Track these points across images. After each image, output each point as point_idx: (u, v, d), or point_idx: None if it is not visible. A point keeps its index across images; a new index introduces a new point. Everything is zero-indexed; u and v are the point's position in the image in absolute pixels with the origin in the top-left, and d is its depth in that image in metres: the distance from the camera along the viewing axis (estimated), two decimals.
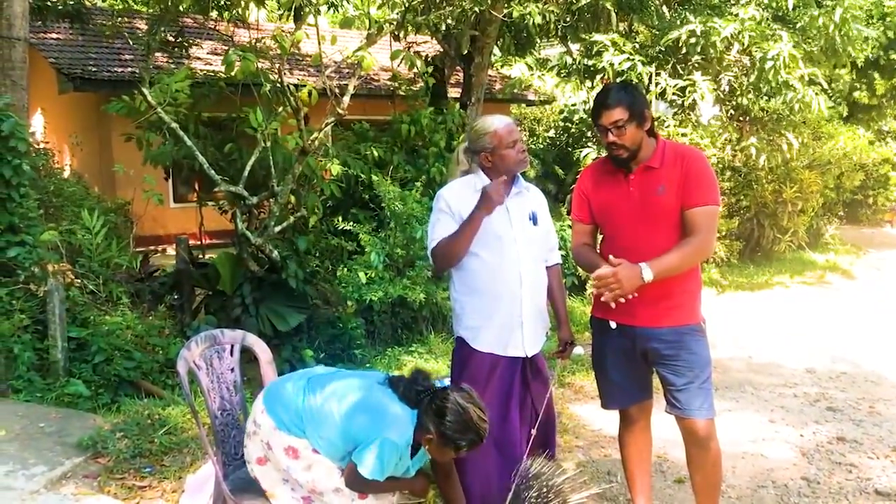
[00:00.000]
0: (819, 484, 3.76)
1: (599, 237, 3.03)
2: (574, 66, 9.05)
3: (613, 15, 8.41)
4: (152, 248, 9.12)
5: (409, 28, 7.64)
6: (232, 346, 2.96)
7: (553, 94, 11.17)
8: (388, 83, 9.81)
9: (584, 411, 4.72)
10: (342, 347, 5.71)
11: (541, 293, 3.04)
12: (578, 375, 5.36)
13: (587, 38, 8.58)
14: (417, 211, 5.87)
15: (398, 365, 5.32)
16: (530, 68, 8.79)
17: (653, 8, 9.02)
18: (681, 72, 8.70)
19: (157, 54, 8.11)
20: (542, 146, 10.79)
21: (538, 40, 10.25)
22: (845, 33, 8.28)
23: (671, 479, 3.79)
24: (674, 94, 8.72)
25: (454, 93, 8.79)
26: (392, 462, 2.41)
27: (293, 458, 2.50)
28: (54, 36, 11.28)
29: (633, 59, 7.93)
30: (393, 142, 7.10)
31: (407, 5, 7.32)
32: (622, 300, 2.55)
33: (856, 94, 14.16)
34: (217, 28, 10.42)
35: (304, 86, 5.40)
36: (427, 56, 8.47)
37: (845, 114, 13.99)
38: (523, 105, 14.50)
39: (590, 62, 8.64)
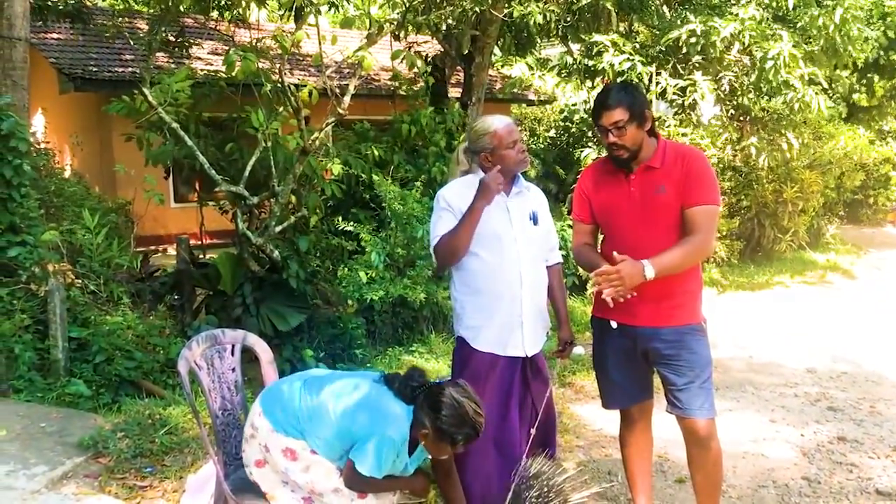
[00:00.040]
0: (820, 484, 3.76)
1: (600, 237, 3.03)
2: (574, 67, 9.04)
3: (614, 15, 8.41)
4: (153, 247, 9.12)
5: (410, 28, 7.64)
6: (233, 346, 2.97)
7: (553, 94, 11.17)
8: (389, 83, 9.81)
9: (584, 411, 4.73)
10: (343, 347, 5.71)
11: (541, 293, 3.04)
12: (579, 375, 5.36)
13: (587, 38, 8.58)
14: (418, 211, 5.87)
15: (399, 365, 5.32)
16: (531, 68, 8.78)
17: (653, 8, 9.02)
18: (681, 71, 8.69)
19: (158, 54, 8.12)
20: (542, 146, 10.78)
21: (539, 40, 10.24)
22: (845, 33, 8.28)
23: (672, 479, 3.79)
24: (674, 93, 8.72)
25: (455, 93, 8.78)
26: (389, 459, 2.42)
27: (291, 460, 2.50)
28: (55, 36, 11.29)
29: (633, 60, 7.93)
30: (393, 142, 7.10)
31: (407, 5, 7.33)
32: (621, 299, 2.54)
33: (855, 95, 14.15)
34: (218, 28, 10.43)
35: (305, 86, 5.40)
36: (427, 56, 8.47)
37: (845, 114, 13.98)
38: (524, 105, 14.50)
39: (590, 62, 8.64)
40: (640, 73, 7.94)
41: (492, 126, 2.96)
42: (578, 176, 3.32)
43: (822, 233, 12.04)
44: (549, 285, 3.10)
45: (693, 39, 7.88)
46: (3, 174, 4.68)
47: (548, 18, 8.06)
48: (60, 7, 8.94)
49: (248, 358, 3.05)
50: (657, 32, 8.62)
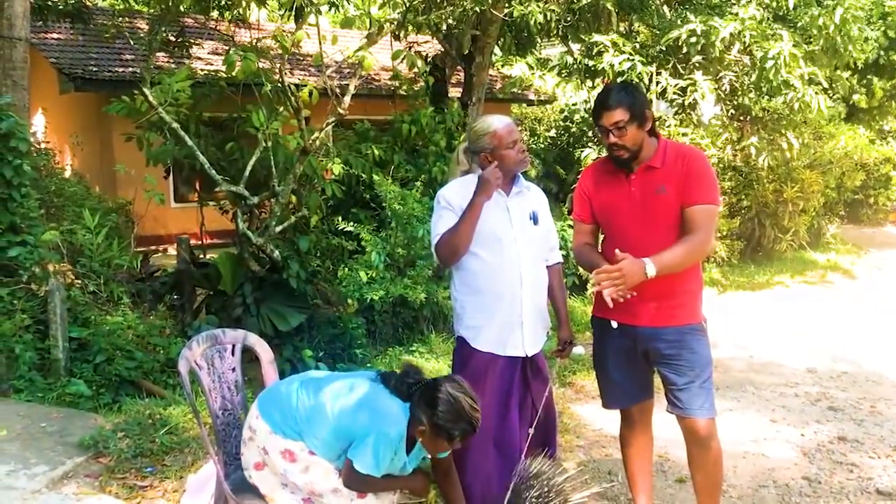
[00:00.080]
0: (820, 483, 3.76)
1: (601, 237, 3.03)
2: (575, 67, 9.04)
3: (614, 15, 8.41)
4: (153, 247, 9.12)
5: (410, 28, 7.64)
6: (233, 346, 2.97)
7: (554, 94, 11.16)
8: (389, 83, 9.81)
9: (585, 411, 4.73)
10: (343, 347, 5.71)
11: (541, 293, 3.05)
12: (579, 375, 5.36)
13: (587, 38, 8.58)
14: (418, 210, 5.87)
15: (399, 365, 5.32)
16: (531, 68, 8.78)
17: (653, 7, 9.02)
18: (681, 71, 8.69)
19: (158, 54, 8.11)
20: (543, 146, 10.77)
21: (539, 40, 10.24)
22: (846, 33, 8.28)
23: (672, 479, 3.79)
24: (674, 93, 8.72)
25: (455, 92, 8.79)
26: (387, 456, 2.42)
27: (290, 462, 2.50)
28: (55, 36, 11.29)
29: (633, 60, 7.93)
30: (393, 141, 7.11)
31: (408, 5, 7.32)
32: (621, 299, 2.54)
33: (855, 97, 14.14)
34: (218, 28, 10.43)
35: (305, 86, 5.40)
36: (428, 56, 8.47)
37: (844, 114, 13.96)
38: (524, 105, 14.50)
39: (590, 62, 8.64)
40: (640, 73, 7.94)
41: (492, 126, 2.96)
42: (579, 176, 3.32)
43: (823, 233, 12.03)
44: (550, 285, 3.10)
45: (693, 39, 7.88)
46: (3, 174, 4.68)
47: (548, 18, 8.06)
48: (61, 7, 8.94)
49: (249, 358, 3.06)
50: (657, 32, 8.62)
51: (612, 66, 7.89)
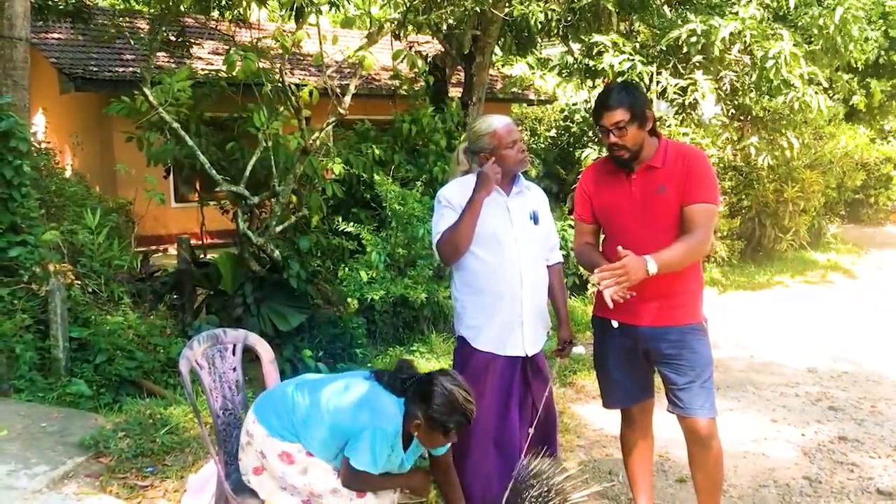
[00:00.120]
0: (821, 483, 3.76)
1: (602, 237, 3.03)
2: (575, 66, 9.03)
3: (614, 15, 8.41)
4: (153, 247, 9.12)
5: (411, 28, 7.63)
6: (234, 346, 2.97)
7: (554, 93, 11.16)
8: (390, 83, 9.81)
9: (585, 411, 4.73)
10: (343, 347, 5.72)
11: (541, 293, 3.05)
12: (580, 375, 5.36)
13: (587, 38, 8.58)
14: (418, 210, 5.87)
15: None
16: (531, 68, 8.78)
17: (654, 7, 9.01)
18: (682, 71, 8.69)
19: (159, 54, 8.11)
20: (543, 146, 10.77)
21: (539, 40, 10.24)
22: (846, 33, 8.27)
23: (673, 479, 3.79)
24: (675, 93, 8.72)
25: (455, 92, 8.79)
26: (384, 452, 2.42)
27: (288, 464, 2.51)
28: (56, 36, 11.29)
29: (633, 60, 7.93)
30: (394, 141, 7.11)
31: (408, 5, 7.32)
32: (620, 300, 2.53)
33: (855, 98, 14.14)
34: (218, 28, 10.42)
35: (306, 85, 5.41)
36: (428, 56, 8.47)
37: (843, 114, 13.96)
38: (524, 104, 14.51)
39: (591, 62, 8.64)
40: (640, 73, 7.94)
41: (491, 126, 2.97)
42: (579, 176, 3.32)
43: (823, 232, 12.02)
44: (550, 285, 3.10)
45: (693, 39, 7.88)
46: (3, 174, 4.68)
47: (549, 17, 8.05)
48: (61, 7, 8.94)
49: (250, 357, 3.06)
50: (658, 32, 8.62)
51: (611, 66, 7.89)
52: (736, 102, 9.25)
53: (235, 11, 8.19)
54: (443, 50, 8.60)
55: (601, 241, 3.02)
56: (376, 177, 6.15)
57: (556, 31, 9.32)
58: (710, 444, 2.85)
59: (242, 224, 5.54)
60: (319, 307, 5.99)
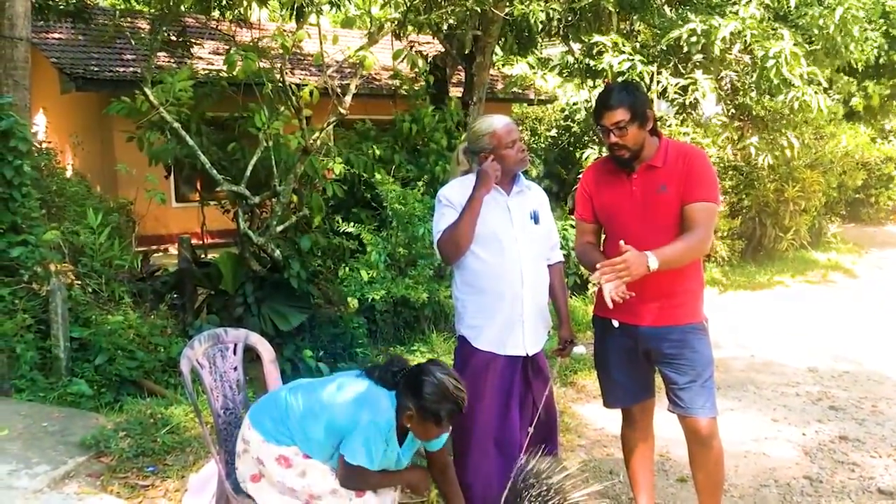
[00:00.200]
0: (822, 483, 3.76)
1: (603, 236, 3.03)
2: (576, 66, 9.03)
3: (614, 15, 8.41)
4: (154, 247, 9.13)
5: (411, 27, 7.64)
6: (235, 345, 2.97)
7: (555, 93, 11.15)
8: (390, 83, 9.81)
9: (586, 410, 4.73)
10: (344, 346, 5.72)
11: (542, 292, 3.05)
12: (581, 375, 5.36)
13: (588, 38, 8.58)
14: (419, 210, 5.87)
15: None
16: (532, 67, 8.78)
17: (654, 7, 9.02)
18: (682, 70, 8.69)
19: (159, 54, 8.12)
20: (544, 146, 10.77)
21: (540, 40, 10.25)
22: (846, 33, 8.27)
23: (674, 478, 3.79)
24: (675, 92, 8.72)
25: (456, 92, 8.79)
26: (379, 447, 2.42)
27: (286, 467, 2.51)
28: (56, 36, 11.30)
29: (632, 60, 7.93)
30: (394, 141, 7.11)
31: (408, 5, 7.32)
32: (620, 299, 2.53)
33: (854, 100, 14.13)
34: (219, 28, 10.43)
35: (306, 85, 5.41)
36: (428, 56, 8.47)
37: (843, 114, 13.95)
38: (525, 104, 14.51)
39: (591, 62, 8.64)
40: (640, 73, 7.94)
41: (491, 126, 2.97)
42: (579, 176, 3.33)
43: (824, 232, 12.02)
44: (551, 284, 3.10)
45: (694, 39, 7.88)
46: (3, 174, 4.68)
47: (549, 17, 8.06)
48: (62, 7, 8.94)
49: (250, 357, 3.06)
50: (658, 32, 8.62)
51: (611, 66, 7.90)
52: (736, 102, 9.25)
53: (236, 11, 8.19)
54: (443, 50, 8.60)
55: (602, 241, 3.02)
56: (377, 175, 6.15)
57: (556, 31, 9.33)
58: (711, 444, 2.85)
59: (243, 224, 5.54)
60: (320, 307, 5.99)
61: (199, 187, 7.17)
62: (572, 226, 6.60)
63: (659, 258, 2.54)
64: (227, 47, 7.70)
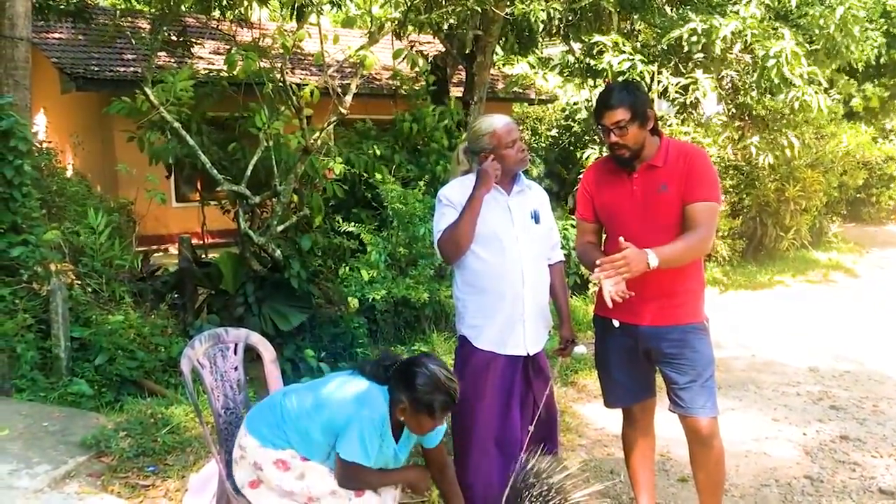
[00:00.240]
0: (822, 482, 3.76)
1: (604, 236, 3.03)
2: (576, 66, 9.03)
3: (615, 14, 8.41)
4: (155, 247, 9.13)
5: (412, 27, 7.64)
6: (236, 345, 2.97)
7: (555, 93, 11.14)
8: (390, 82, 9.81)
9: (587, 410, 4.72)
10: (344, 346, 5.71)
11: (543, 292, 3.05)
12: (581, 374, 5.36)
13: (588, 38, 8.58)
14: (419, 210, 5.87)
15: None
16: (532, 67, 8.78)
17: (654, 7, 9.02)
18: (683, 70, 8.69)
19: (160, 54, 8.12)
20: (544, 145, 10.77)
21: (541, 39, 10.25)
22: (846, 33, 8.27)
23: (674, 478, 3.79)
24: (676, 92, 8.72)
25: (456, 92, 8.79)
26: (374, 442, 2.42)
27: (284, 471, 2.51)
28: (57, 35, 11.30)
29: (632, 59, 7.93)
30: (395, 141, 7.10)
31: (409, 4, 7.32)
32: (619, 299, 2.53)
33: (854, 100, 14.12)
34: (219, 27, 10.43)
35: (307, 85, 5.41)
36: (429, 55, 8.47)
37: (843, 113, 13.94)
38: (525, 104, 14.50)
39: (592, 62, 8.64)
40: (641, 73, 7.94)
41: (491, 126, 2.97)
42: (580, 175, 3.32)
43: (825, 231, 12.01)
44: (551, 284, 3.10)
45: (694, 38, 7.88)
46: (4, 174, 4.68)
47: (550, 17, 8.06)
48: (62, 7, 8.94)
49: (251, 357, 3.06)
50: (659, 31, 8.62)
51: (611, 65, 7.90)
52: (737, 101, 9.25)
53: (236, 11, 8.20)
54: (444, 49, 8.60)
55: (603, 241, 3.02)
56: (378, 175, 6.14)
57: (557, 31, 9.33)
58: (712, 444, 2.85)
59: (244, 223, 5.54)
60: (320, 307, 5.99)
61: (199, 187, 7.17)
62: (573, 225, 6.60)
63: (659, 256, 2.54)
64: (227, 47, 7.71)
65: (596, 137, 9.03)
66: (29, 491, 3.29)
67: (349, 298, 5.60)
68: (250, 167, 5.53)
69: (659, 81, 8.55)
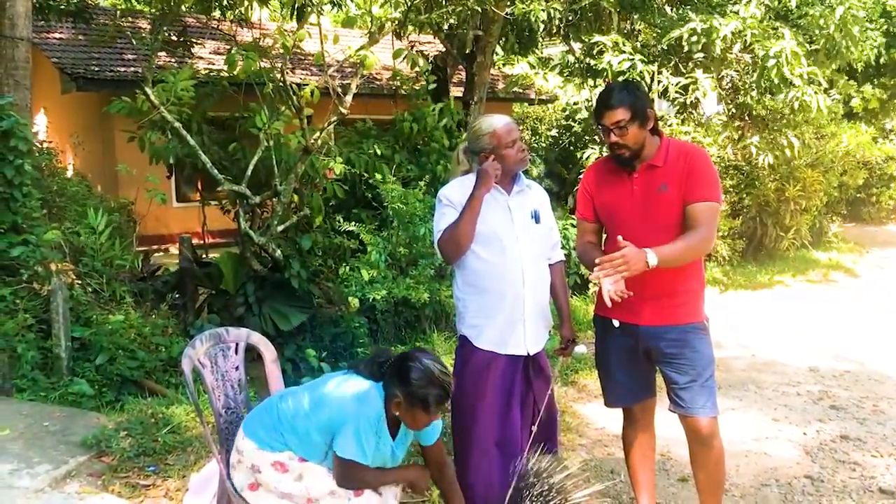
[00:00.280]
0: (823, 482, 3.76)
1: (605, 236, 3.03)
2: (576, 66, 9.04)
3: (615, 14, 8.41)
4: (155, 247, 9.13)
5: (412, 27, 7.64)
6: (237, 345, 2.97)
7: (555, 93, 11.13)
8: (391, 82, 9.81)
9: (587, 410, 4.73)
10: (345, 346, 5.72)
11: (543, 291, 3.05)
12: (582, 374, 5.36)
13: (588, 38, 8.58)
14: (420, 209, 5.87)
15: None
16: (532, 67, 8.78)
17: (654, 7, 9.02)
18: (683, 70, 8.70)
19: (160, 54, 8.13)
20: (544, 145, 10.77)
21: (541, 39, 10.25)
22: (846, 33, 8.27)
23: (675, 478, 3.79)
24: (676, 92, 8.72)
25: (456, 92, 8.79)
26: (370, 439, 2.43)
27: (282, 472, 2.51)
28: (57, 36, 11.30)
29: (632, 59, 7.94)
30: (395, 140, 7.11)
31: (409, 4, 7.33)
32: (619, 298, 2.53)
33: (854, 101, 14.11)
34: (220, 28, 10.44)
35: (307, 85, 5.41)
36: (429, 55, 8.47)
37: (843, 113, 13.94)
38: (526, 104, 14.50)
39: (592, 62, 8.65)
40: (641, 72, 7.95)
41: (491, 126, 2.97)
42: (580, 175, 3.33)
43: (825, 231, 12.01)
44: (552, 283, 3.10)
45: (694, 38, 7.88)
46: (4, 174, 4.68)
47: (550, 17, 8.06)
48: (63, 7, 8.95)
49: (252, 357, 3.06)
50: (659, 31, 8.62)
51: (611, 65, 7.90)
52: (737, 101, 9.25)
53: (237, 11, 8.20)
54: (444, 49, 8.60)
55: (603, 241, 3.02)
56: (378, 174, 6.14)
57: (557, 31, 9.33)
58: (712, 444, 2.85)
59: (244, 223, 5.54)
60: (321, 306, 5.99)
61: (199, 187, 7.17)
62: (573, 225, 6.60)
63: (658, 255, 2.54)
64: (227, 47, 7.71)
65: (596, 137, 9.03)
66: (30, 491, 3.29)
67: (349, 298, 5.60)
68: (251, 167, 5.53)
69: (659, 81, 8.55)
